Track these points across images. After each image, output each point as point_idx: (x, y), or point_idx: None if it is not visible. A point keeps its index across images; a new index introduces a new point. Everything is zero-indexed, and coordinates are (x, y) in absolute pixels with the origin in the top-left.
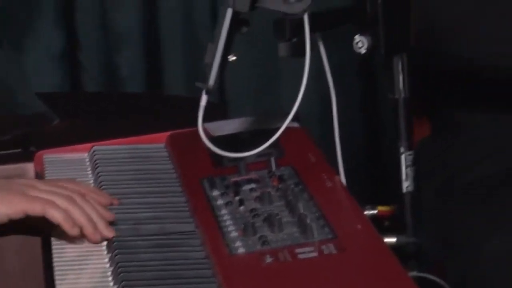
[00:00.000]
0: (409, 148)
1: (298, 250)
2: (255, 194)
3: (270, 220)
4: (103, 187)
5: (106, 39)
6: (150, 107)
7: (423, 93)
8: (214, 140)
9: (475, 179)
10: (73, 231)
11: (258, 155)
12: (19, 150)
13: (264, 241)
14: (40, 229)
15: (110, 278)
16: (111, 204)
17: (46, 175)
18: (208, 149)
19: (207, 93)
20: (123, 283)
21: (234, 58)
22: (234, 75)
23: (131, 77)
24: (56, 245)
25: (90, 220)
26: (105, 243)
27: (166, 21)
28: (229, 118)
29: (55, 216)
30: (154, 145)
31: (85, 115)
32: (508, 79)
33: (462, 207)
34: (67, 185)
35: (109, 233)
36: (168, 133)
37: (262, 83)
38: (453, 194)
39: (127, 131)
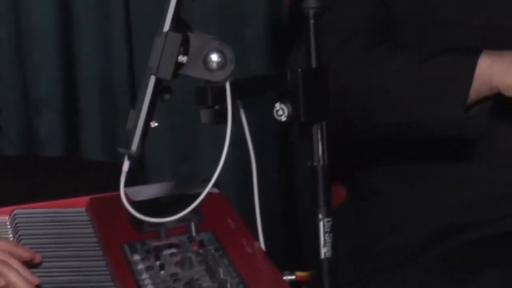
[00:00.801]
0: (327, 214)
1: None
2: (175, 259)
3: (190, 285)
4: None
5: (25, 102)
6: (70, 171)
7: (338, 160)
8: (135, 204)
9: (389, 247)
10: None
11: (178, 220)
12: None
13: None
14: None
15: None
16: (34, 260)
17: None
18: (129, 214)
19: (129, 158)
20: None
21: (156, 124)
22: (154, 141)
23: (50, 141)
24: None
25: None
26: None
27: (85, 85)
28: (149, 183)
29: None
30: (75, 209)
31: (5, 178)
32: (421, 149)
33: (376, 274)
34: None
35: None
36: (88, 197)
37: (181, 149)
38: (368, 261)
39: (47, 195)
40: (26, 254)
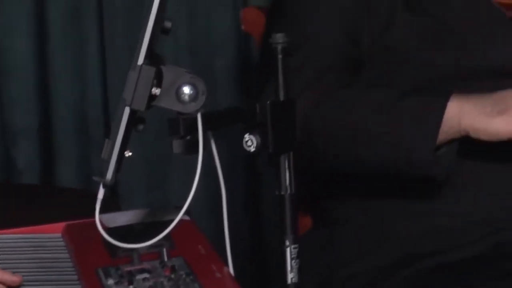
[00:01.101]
0: (294, 241)
1: None
2: (148, 283)
3: None
4: None
5: (2, 133)
6: (46, 198)
7: (302, 188)
8: (109, 231)
9: (353, 274)
10: None
11: (151, 246)
12: None
13: None
14: None
15: None
16: (17, 282)
17: None
18: (103, 240)
19: (104, 186)
20: None
21: (130, 153)
22: (128, 169)
23: (27, 170)
24: None
25: None
26: None
27: (60, 117)
28: (122, 210)
29: None
30: (51, 234)
31: None
32: (385, 178)
33: None
34: None
35: None
36: (64, 224)
37: (154, 178)
38: (342, 284)
39: (24, 221)
40: (15, 279)
